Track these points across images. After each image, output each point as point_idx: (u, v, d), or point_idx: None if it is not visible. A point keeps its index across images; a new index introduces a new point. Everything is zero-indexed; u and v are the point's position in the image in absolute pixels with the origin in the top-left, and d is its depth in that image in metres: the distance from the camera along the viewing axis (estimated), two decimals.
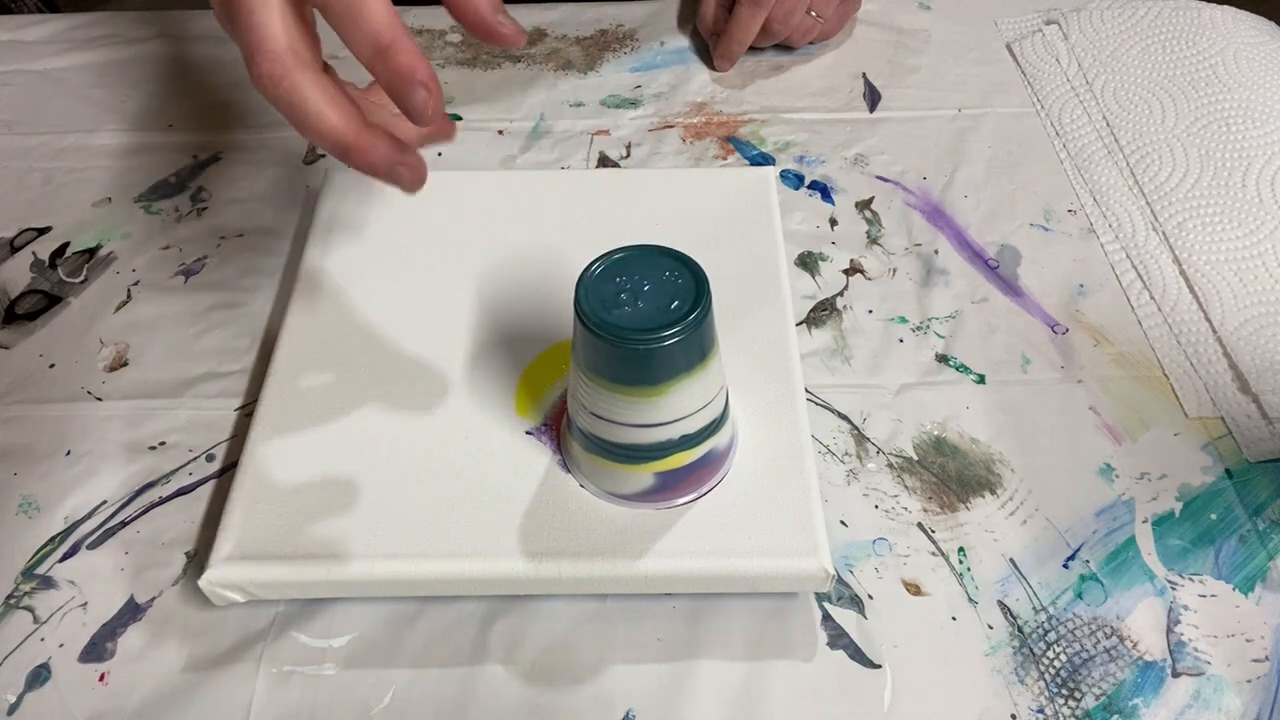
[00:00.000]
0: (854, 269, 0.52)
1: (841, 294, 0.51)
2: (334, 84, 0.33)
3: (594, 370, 0.35)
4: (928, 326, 0.49)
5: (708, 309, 0.34)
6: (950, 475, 0.44)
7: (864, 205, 0.55)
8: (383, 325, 0.46)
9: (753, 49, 0.62)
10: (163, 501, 0.43)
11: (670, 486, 0.39)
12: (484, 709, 0.37)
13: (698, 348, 0.35)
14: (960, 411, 0.46)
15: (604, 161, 0.57)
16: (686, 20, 0.67)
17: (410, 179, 0.34)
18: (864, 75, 0.63)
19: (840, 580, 0.41)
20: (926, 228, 0.54)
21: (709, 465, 0.39)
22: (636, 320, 0.34)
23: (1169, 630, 0.39)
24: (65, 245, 0.53)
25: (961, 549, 0.41)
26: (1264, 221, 0.51)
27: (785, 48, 0.64)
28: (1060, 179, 0.56)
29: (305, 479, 0.40)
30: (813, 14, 0.61)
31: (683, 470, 0.38)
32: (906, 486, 0.43)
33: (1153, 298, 0.50)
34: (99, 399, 0.46)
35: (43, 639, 0.39)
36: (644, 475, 0.38)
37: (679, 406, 0.36)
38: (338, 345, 0.45)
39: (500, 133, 0.59)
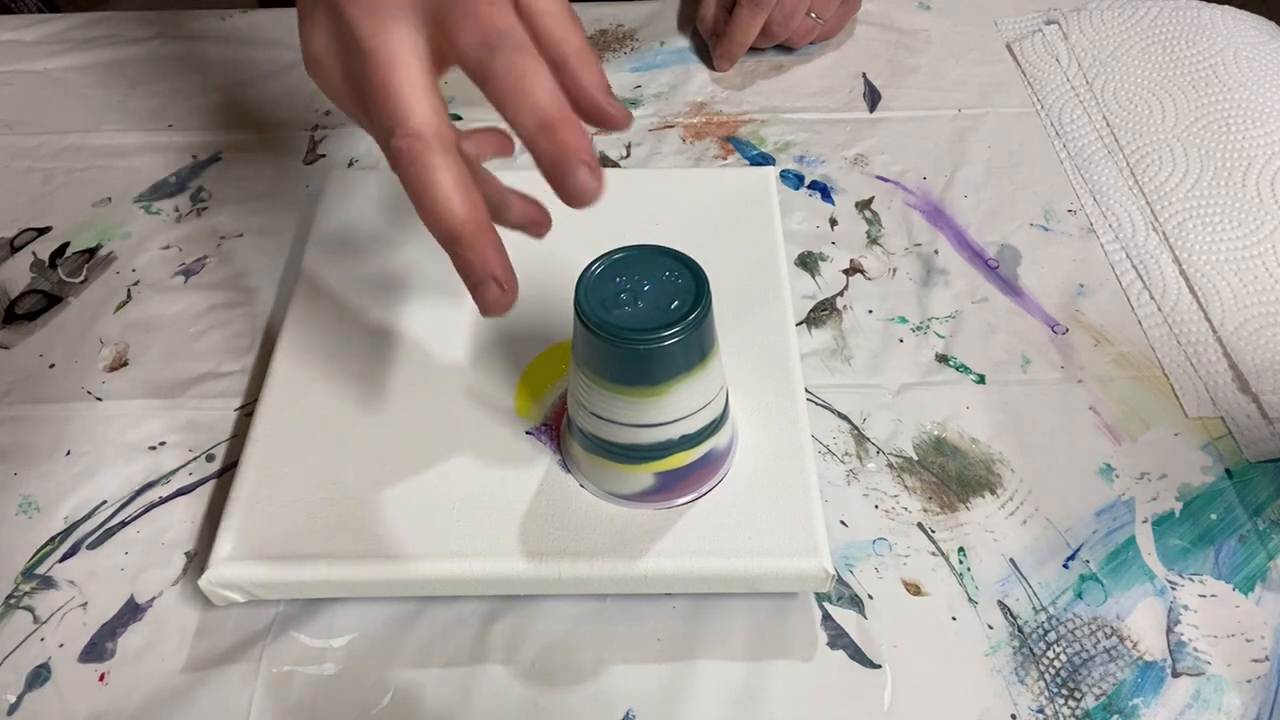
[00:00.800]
0: (854, 269, 0.52)
1: (841, 294, 0.51)
2: (467, 171, 0.31)
3: (594, 370, 0.35)
4: (928, 326, 0.49)
5: (708, 309, 0.34)
6: (950, 475, 0.44)
7: (864, 205, 0.55)
8: (382, 325, 0.46)
9: (753, 49, 0.62)
10: (163, 501, 0.43)
11: (670, 486, 0.39)
12: (484, 709, 0.37)
13: (698, 348, 0.35)
14: (960, 411, 0.46)
15: (604, 161, 0.57)
16: (686, 20, 0.67)
17: (495, 301, 0.32)
18: (864, 75, 0.63)
19: (840, 580, 0.41)
20: (926, 228, 0.54)
21: (709, 465, 0.39)
22: (636, 320, 0.34)
23: (1169, 630, 0.39)
24: (65, 245, 0.53)
25: (961, 549, 0.41)
26: (1264, 221, 0.51)
27: (785, 48, 0.64)
28: (1060, 179, 0.56)
29: (305, 479, 0.40)
30: (813, 15, 0.61)
31: (683, 470, 0.38)
32: (906, 486, 0.43)
33: (1153, 298, 0.50)
34: (99, 399, 0.46)
35: (43, 639, 0.39)
36: (644, 475, 0.38)
37: (679, 406, 0.36)
38: (338, 345, 0.45)
39: None
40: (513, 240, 0.49)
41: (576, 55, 0.32)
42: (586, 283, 0.35)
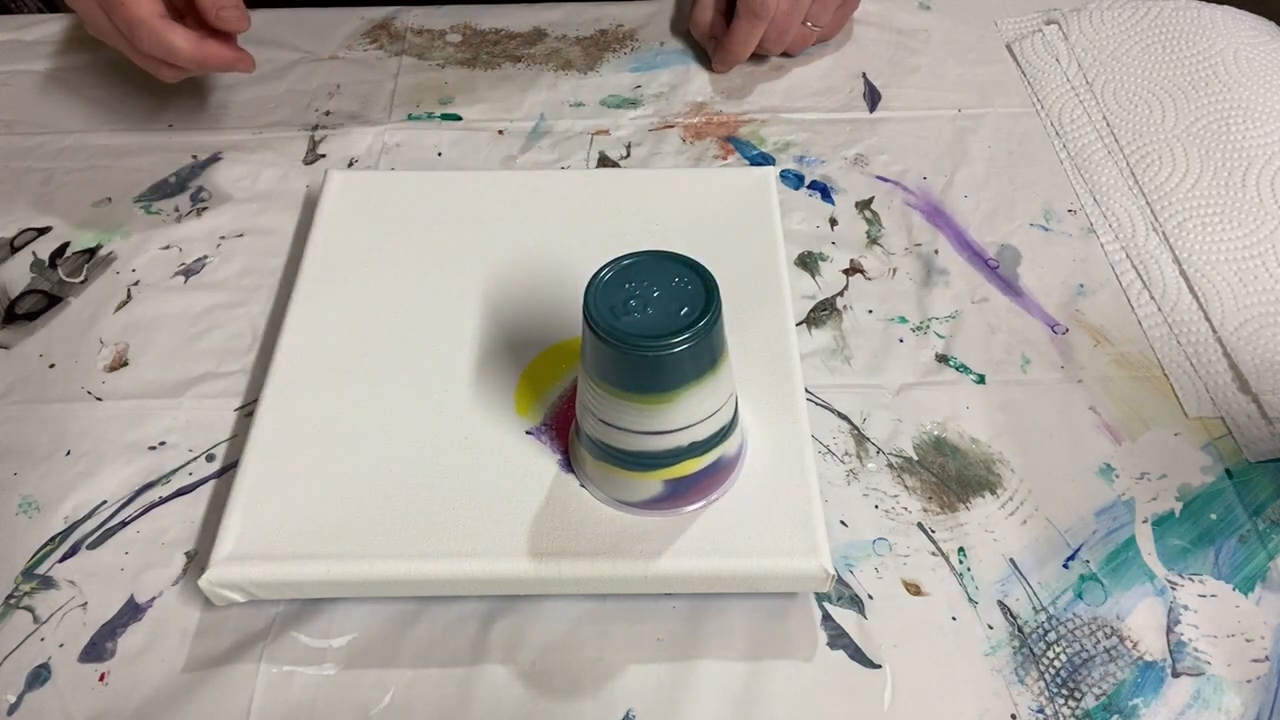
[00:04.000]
0: (854, 269, 0.52)
1: (841, 294, 0.51)
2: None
3: (603, 377, 0.35)
4: (928, 326, 0.49)
5: (717, 315, 0.34)
6: (950, 475, 0.44)
7: (864, 205, 0.55)
8: (382, 325, 0.46)
9: (751, 57, 0.62)
10: (163, 501, 0.43)
11: (679, 494, 0.39)
12: (484, 709, 0.37)
13: (708, 354, 0.35)
14: (960, 411, 0.46)
15: (604, 161, 0.57)
16: (686, 21, 0.67)
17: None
18: (864, 75, 0.63)
19: (840, 580, 0.41)
20: (926, 228, 0.54)
21: (718, 472, 0.39)
22: (646, 327, 0.33)
23: (1169, 630, 0.39)
24: (65, 245, 0.53)
25: (961, 549, 0.41)
26: (1264, 221, 0.51)
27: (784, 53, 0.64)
28: (1060, 179, 0.56)
29: (305, 479, 0.40)
30: (809, 24, 0.60)
31: (691, 478, 0.38)
32: (906, 486, 0.43)
33: (1153, 298, 0.50)
34: (99, 399, 0.46)
35: (43, 639, 0.39)
36: (653, 483, 0.38)
37: (688, 413, 0.36)
38: (338, 345, 0.45)
39: (500, 133, 0.59)
40: (514, 239, 0.49)
41: None
42: (595, 289, 0.34)
